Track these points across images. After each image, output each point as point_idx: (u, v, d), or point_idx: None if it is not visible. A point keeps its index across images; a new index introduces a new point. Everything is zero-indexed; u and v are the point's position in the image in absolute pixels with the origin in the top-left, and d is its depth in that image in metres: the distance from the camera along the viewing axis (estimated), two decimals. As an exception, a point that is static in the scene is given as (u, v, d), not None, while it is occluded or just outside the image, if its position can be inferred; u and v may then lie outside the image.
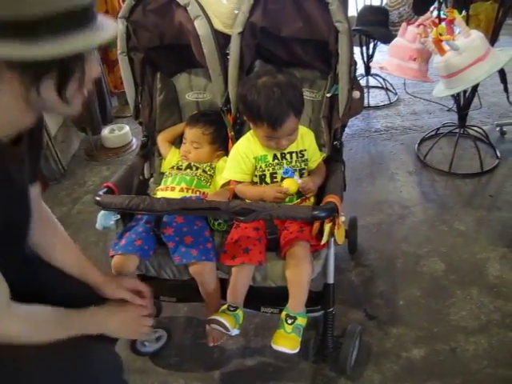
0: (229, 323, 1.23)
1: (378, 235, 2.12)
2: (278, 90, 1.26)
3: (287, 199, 1.36)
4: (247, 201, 1.38)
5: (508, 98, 2.69)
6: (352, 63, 1.36)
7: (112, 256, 1.32)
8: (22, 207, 0.95)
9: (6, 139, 0.83)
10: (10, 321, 0.87)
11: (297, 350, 1.23)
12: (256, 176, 1.41)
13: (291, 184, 1.32)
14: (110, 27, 0.80)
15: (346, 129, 1.56)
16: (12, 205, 0.88)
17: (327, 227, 1.19)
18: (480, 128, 2.81)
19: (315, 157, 1.44)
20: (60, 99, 0.79)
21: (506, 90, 2.56)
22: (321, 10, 1.32)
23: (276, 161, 1.40)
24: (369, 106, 3.50)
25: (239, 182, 1.41)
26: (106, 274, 1.22)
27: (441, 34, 2.01)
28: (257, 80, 1.30)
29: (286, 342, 1.22)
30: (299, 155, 1.41)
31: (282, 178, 1.38)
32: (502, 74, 2.44)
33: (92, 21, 0.77)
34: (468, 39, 2.03)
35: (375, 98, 3.65)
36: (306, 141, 1.42)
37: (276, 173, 1.39)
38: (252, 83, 1.31)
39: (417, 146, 2.84)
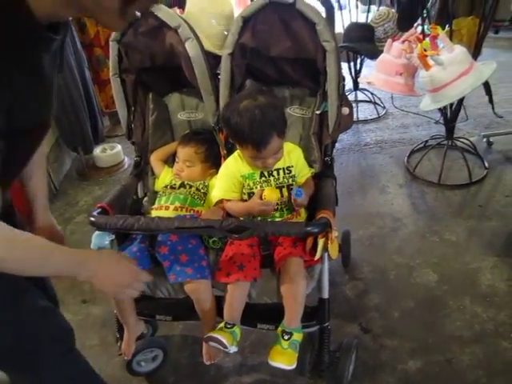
0: (226, 340, 1.23)
1: (371, 248, 2.15)
2: (260, 113, 1.28)
3: (277, 214, 1.38)
4: (241, 218, 1.39)
5: (493, 109, 2.76)
6: (340, 81, 1.39)
7: (107, 276, 1.32)
8: (48, 105, 0.92)
9: (45, 23, 0.78)
10: None
11: (294, 366, 1.23)
12: (245, 194, 1.43)
13: (272, 194, 1.34)
14: None
15: (337, 143, 1.58)
16: (40, 101, 0.86)
17: (320, 242, 1.21)
18: (467, 139, 2.86)
19: (303, 172, 1.45)
20: (117, 9, 0.75)
21: (491, 101, 2.63)
22: (308, 30, 1.36)
23: (263, 178, 1.41)
24: (358, 120, 3.55)
25: (229, 200, 1.43)
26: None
27: (425, 50, 2.07)
28: (239, 103, 1.32)
29: (283, 357, 1.22)
30: (286, 171, 1.42)
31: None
32: (486, 86, 2.50)
33: None
34: (452, 54, 2.08)
35: (364, 112, 3.71)
36: (292, 157, 1.44)
37: (264, 190, 1.41)
38: (234, 107, 1.33)
39: (406, 158, 2.89)
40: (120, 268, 1.06)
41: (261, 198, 1.34)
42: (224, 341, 1.23)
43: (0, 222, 0.81)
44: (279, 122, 1.33)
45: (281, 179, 1.42)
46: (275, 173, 1.42)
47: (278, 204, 1.37)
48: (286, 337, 1.24)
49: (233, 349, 1.26)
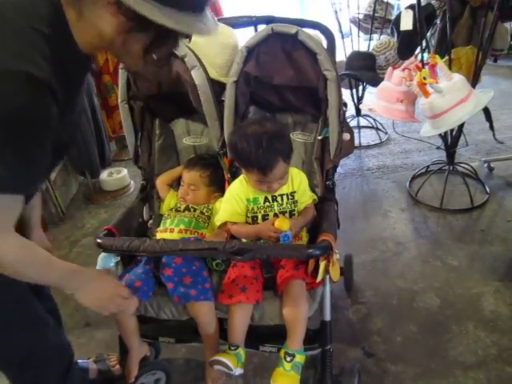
0: (231, 363, 1.24)
1: (374, 272, 2.15)
2: (267, 138, 1.32)
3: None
4: (244, 240, 1.42)
5: (494, 135, 2.80)
6: (341, 108, 1.43)
7: (112, 298, 1.35)
8: (72, 131, 1.03)
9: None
10: (8, 242, 0.89)
11: (296, 389, 1.24)
12: (248, 217, 1.46)
13: (283, 224, 1.34)
14: (211, 27, 0.89)
15: (339, 168, 1.62)
16: (69, 125, 0.97)
17: (322, 265, 1.23)
18: (468, 165, 2.90)
19: (303, 198, 1.48)
20: (141, 54, 0.89)
21: (491, 127, 2.67)
22: (310, 60, 1.42)
23: (267, 203, 1.44)
24: (360, 146, 3.60)
25: (234, 223, 1.46)
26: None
27: (424, 78, 2.12)
28: (246, 129, 1.36)
29: (286, 379, 1.23)
30: (289, 197, 1.45)
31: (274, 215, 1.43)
32: (486, 112, 2.55)
33: (203, 13, 0.87)
34: (450, 82, 2.14)
35: (366, 137, 3.76)
36: (295, 182, 1.47)
37: (267, 215, 1.43)
38: (241, 132, 1.37)
39: (408, 183, 2.92)
40: (102, 283, 1.13)
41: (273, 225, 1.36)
42: (229, 363, 1.23)
43: (15, 233, 0.91)
44: (285, 148, 1.36)
45: (284, 205, 1.44)
46: (279, 198, 1.44)
47: None
48: (288, 359, 1.25)
49: (238, 371, 1.26)
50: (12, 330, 1.12)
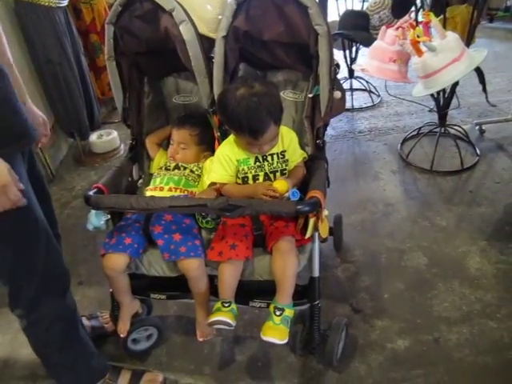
0: (230, 319, 1.29)
1: (363, 232, 2.18)
2: (257, 101, 1.29)
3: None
4: (233, 198, 1.42)
5: (487, 98, 2.79)
6: (332, 64, 1.41)
7: (103, 255, 1.36)
8: None
9: None
10: None
11: (285, 341, 1.27)
12: (239, 178, 1.46)
13: (282, 185, 1.34)
14: None
15: (331, 131, 1.62)
16: None
17: (311, 222, 1.24)
18: (460, 127, 2.89)
19: (294, 157, 1.47)
20: None
21: (484, 90, 2.65)
22: (301, 14, 1.37)
23: (258, 163, 1.44)
24: (352, 108, 3.57)
25: (224, 184, 1.45)
26: None
27: (418, 36, 2.09)
28: (235, 91, 1.32)
29: (275, 332, 1.26)
30: (280, 156, 1.45)
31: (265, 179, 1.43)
32: (480, 75, 2.53)
33: None
34: (444, 40, 2.11)
35: (359, 100, 3.72)
36: (285, 141, 1.46)
37: (258, 175, 1.43)
38: (231, 95, 1.33)
39: (399, 145, 2.92)
40: None
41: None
42: (229, 320, 1.28)
43: None
44: (276, 110, 1.34)
45: (275, 164, 1.44)
46: (269, 158, 1.44)
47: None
48: (277, 313, 1.28)
49: (233, 325, 1.31)
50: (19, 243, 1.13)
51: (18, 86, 1.20)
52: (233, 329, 1.32)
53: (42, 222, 1.17)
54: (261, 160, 1.44)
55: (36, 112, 1.32)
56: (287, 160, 1.46)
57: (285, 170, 1.46)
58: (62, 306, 1.29)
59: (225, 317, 1.29)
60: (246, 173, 1.44)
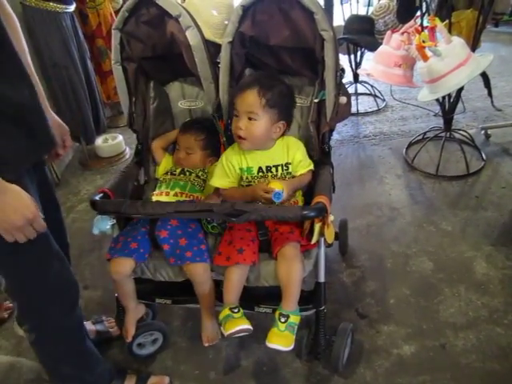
0: (248, 325, 1.27)
1: (368, 237, 2.18)
2: (278, 82, 1.39)
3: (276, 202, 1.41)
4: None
5: (492, 102, 2.79)
6: (337, 69, 1.41)
7: (108, 259, 1.36)
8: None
9: None
10: None
11: (291, 348, 1.26)
12: (242, 186, 1.46)
13: (276, 184, 1.33)
14: None
15: (336, 135, 1.62)
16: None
17: (317, 227, 1.24)
18: (466, 131, 2.89)
19: (297, 169, 1.45)
20: None
21: (489, 94, 2.65)
22: (307, 20, 1.38)
23: (261, 174, 1.44)
24: (358, 113, 3.57)
25: (227, 189, 1.45)
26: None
27: (423, 41, 2.09)
28: None
29: (280, 339, 1.26)
30: (284, 168, 1.44)
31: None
32: (485, 79, 2.52)
33: None
34: (449, 45, 2.10)
35: (364, 104, 3.72)
36: (290, 153, 1.44)
37: (270, 182, 1.42)
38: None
39: (405, 150, 2.91)
40: (17, 206, 0.94)
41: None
42: (248, 326, 1.27)
43: None
44: (278, 96, 1.37)
45: (278, 175, 1.44)
46: (273, 169, 1.44)
47: None
48: (282, 319, 1.27)
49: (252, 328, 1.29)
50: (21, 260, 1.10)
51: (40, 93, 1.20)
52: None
53: (50, 237, 1.14)
54: (264, 171, 1.44)
55: (57, 120, 1.31)
56: (291, 172, 1.45)
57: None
58: (71, 319, 1.27)
59: (243, 324, 1.26)
60: (250, 182, 1.45)
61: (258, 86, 1.34)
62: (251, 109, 1.35)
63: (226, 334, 1.26)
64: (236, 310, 1.29)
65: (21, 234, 0.97)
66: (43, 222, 1.02)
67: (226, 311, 1.29)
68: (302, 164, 1.45)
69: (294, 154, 1.45)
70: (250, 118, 1.36)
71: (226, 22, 1.49)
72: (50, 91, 2.71)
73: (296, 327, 1.30)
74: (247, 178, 1.44)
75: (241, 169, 1.44)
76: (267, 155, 1.44)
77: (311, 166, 1.47)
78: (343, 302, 1.81)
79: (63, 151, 1.32)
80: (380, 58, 2.63)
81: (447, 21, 2.31)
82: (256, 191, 1.35)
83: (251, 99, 1.35)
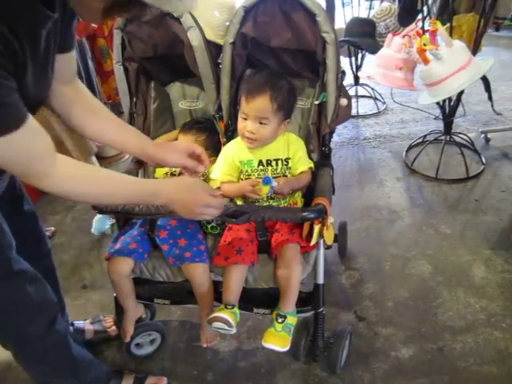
0: (230, 318, 1.26)
1: (367, 239, 2.18)
2: (284, 80, 1.38)
3: (274, 203, 1.41)
4: (238, 203, 1.42)
5: (492, 106, 2.79)
6: (339, 72, 1.41)
7: (107, 259, 1.36)
8: (45, 80, 0.96)
9: None
10: (57, 176, 0.87)
11: (287, 348, 1.27)
12: (242, 179, 1.45)
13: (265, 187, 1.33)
14: (188, 4, 0.79)
15: (336, 137, 1.62)
16: (37, 77, 0.88)
17: (316, 229, 1.24)
18: (465, 135, 2.89)
19: (297, 166, 1.44)
20: (99, 13, 0.77)
21: (490, 98, 2.66)
22: (308, 22, 1.38)
23: (261, 167, 1.43)
24: (358, 115, 3.57)
25: (225, 183, 1.44)
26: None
27: (425, 44, 2.09)
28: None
29: (276, 339, 1.26)
30: (284, 163, 1.44)
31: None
32: (486, 83, 2.53)
33: None
34: (450, 49, 2.11)
35: (364, 107, 3.73)
36: (291, 149, 1.44)
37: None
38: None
39: (404, 153, 2.92)
40: (190, 196, 1.05)
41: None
42: (230, 319, 1.26)
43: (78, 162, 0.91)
44: (281, 96, 1.36)
45: (278, 170, 1.44)
46: (274, 163, 1.44)
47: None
48: (279, 320, 1.28)
49: (234, 330, 1.29)
50: None
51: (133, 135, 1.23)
52: (232, 333, 1.30)
53: (22, 264, 1.12)
54: (265, 164, 1.43)
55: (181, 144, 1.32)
56: (291, 167, 1.46)
57: (286, 176, 1.45)
58: (53, 335, 1.24)
59: (225, 314, 1.27)
60: (250, 175, 1.44)
61: (271, 91, 1.33)
62: (264, 114, 1.34)
63: (208, 317, 1.30)
64: (229, 307, 1.30)
65: (205, 216, 1.08)
66: (218, 200, 1.08)
67: (221, 306, 1.31)
68: (302, 161, 1.45)
69: (294, 150, 1.45)
70: (260, 123, 1.36)
71: (228, 23, 1.49)
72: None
73: (293, 328, 1.30)
74: (247, 171, 1.43)
75: (241, 161, 1.44)
76: (268, 149, 1.43)
77: (311, 164, 1.47)
78: (342, 304, 1.81)
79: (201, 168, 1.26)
80: (381, 61, 2.63)
81: (448, 24, 2.32)
82: (244, 187, 1.34)
83: (264, 105, 1.33)
